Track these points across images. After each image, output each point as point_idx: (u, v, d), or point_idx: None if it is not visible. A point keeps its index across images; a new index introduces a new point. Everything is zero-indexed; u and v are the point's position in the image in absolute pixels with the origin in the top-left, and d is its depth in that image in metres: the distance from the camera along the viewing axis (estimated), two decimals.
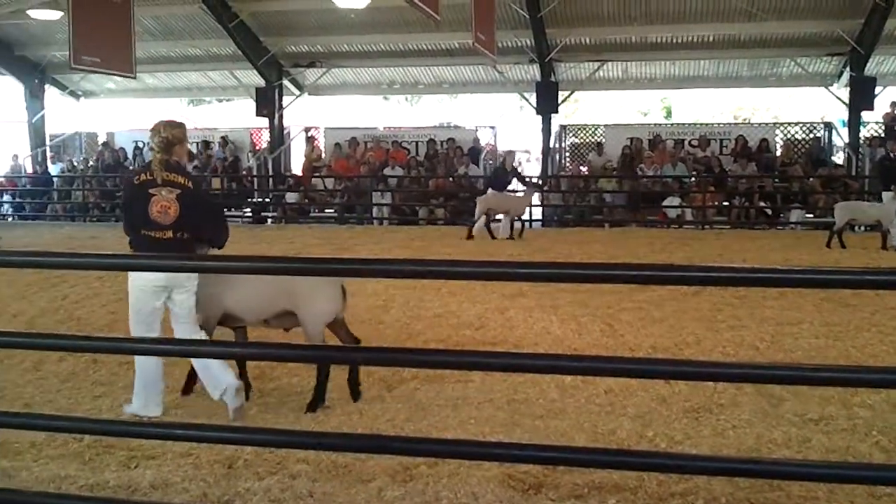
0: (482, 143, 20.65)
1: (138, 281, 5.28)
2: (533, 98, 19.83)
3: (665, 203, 17.51)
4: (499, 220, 14.80)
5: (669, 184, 17.90)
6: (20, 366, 6.57)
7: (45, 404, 5.66)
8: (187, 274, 5.27)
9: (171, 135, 5.39)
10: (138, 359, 5.36)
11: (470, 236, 14.46)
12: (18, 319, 8.35)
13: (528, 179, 16.67)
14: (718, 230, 16.52)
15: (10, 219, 21.54)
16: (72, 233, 16.93)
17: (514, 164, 15.80)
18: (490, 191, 14.93)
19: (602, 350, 6.94)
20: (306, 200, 19.98)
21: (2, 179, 22.52)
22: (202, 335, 5.41)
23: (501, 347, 6.94)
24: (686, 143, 19.41)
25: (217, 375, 5.26)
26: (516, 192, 15.60)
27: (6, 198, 22.44)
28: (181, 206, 5.30)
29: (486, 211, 14.64)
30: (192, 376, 5.67)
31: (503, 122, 28.63)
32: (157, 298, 5.33)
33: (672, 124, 26.04)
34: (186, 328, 5.41)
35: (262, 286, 5.43)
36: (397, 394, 5.80)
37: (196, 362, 5.41)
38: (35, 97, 22.56)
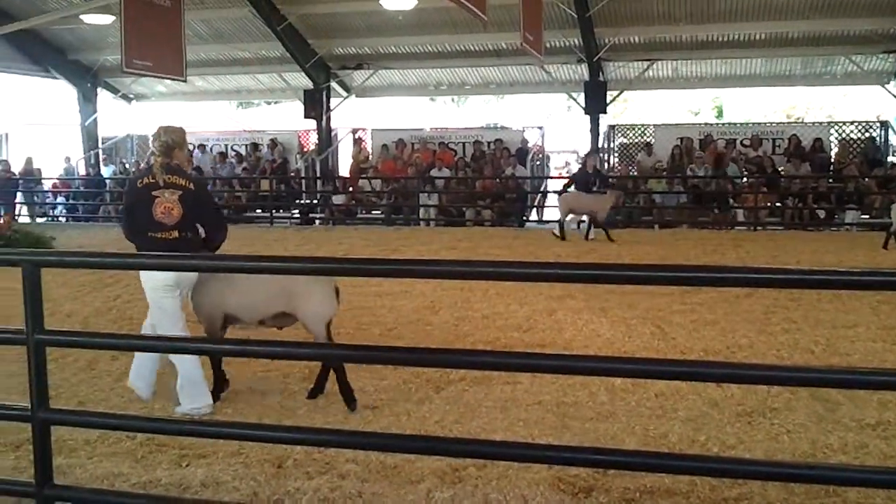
0: (529, 143, 20.55)
1: (150, 282, 5.41)
2: (581, 98, 19.69)
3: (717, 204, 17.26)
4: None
5: (721, 184, 17.63)
6: (74, 364, 6.67)
7: (98, 403, 5.74)
8: (191, 275, 5.45)
9: (170, 139, 5.59)
10: (176, 358, 5.46)
11: (562, 237, 14.48)
12: (72, 319, 8.49)
13: (611, 180, 16.40)
14: (771, 231, 16.23)
15: (63, 220, 21.95)
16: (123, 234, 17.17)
17: (595, 165, 15.56)
18: (572, 190, 14.84)
19: (652, 353, 6.85)
20: (353, 202, 20.08)
21: (56, 182, 22.95)
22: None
23: (550, 349, 6.88)
24: (738, 142, 19.11)
25: (200, 392, 5.44)
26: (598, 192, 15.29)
27: (60, 200, 22.88)
28: (184, 206, 5.46)
29: (568, 211, 14.61)
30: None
31: (550, 122, 28.53)
32: (170, 296, 5.44)
33: (723, 124, 25.67)
34: (171, 320, 5.49)
35: (261, 288, 5.52)
36: (445, 395, 5.78)
37: (183, 369, 5.44)
38: (88, 101, 22.99)
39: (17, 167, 22.42)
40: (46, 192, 22.80)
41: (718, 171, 17.50)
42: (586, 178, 15.00)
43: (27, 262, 3.44)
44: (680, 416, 5.30)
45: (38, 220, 21.19)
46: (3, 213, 19.44)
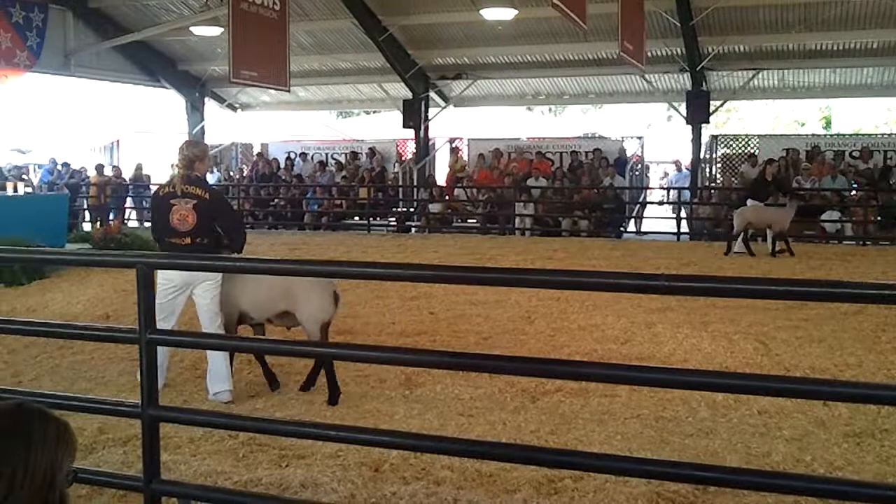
0: (628, 153, 20.28)
1: (160, 279, 5.80)
2: (683, 108, 19.32)
3: (823, 217, 16.66)
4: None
5: (828, 197, 17.03)
6: (180, 364, 6.88)
7: (202, 402, 5.90)
8: (212, 279, 5.94)
9: (192, 153, 6.11)
10: (209, 352, 5.98)
11: (728, 251, 13.86)
12: (179, 320, 8.76)
13: (792, 191, 14.93)
14: (882, 247, 15.57)
15: None
16: None
17: (774, 172, 14.38)
18: (749, 202, 14.04)
19: (756, 369, 6.65)
20: (449, 210, 20.18)
21: None
22: (220, 328, 6.05)
23: (648, 363, 6.76)
24: (847, 154, 18.43)
25: (223, 380, 5.91)
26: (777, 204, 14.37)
27: None
28: (198, 214, 5.89)
29: (746, 226, 13.82)
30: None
31: (650, 132, 28.09)
32: (173, 296, 5.93)
33: (832, 135, 24.80)
34: (208, 317, 6.03)
35: (267, 288, 5.94)
36: (541, 405, 5.75)
37: (212, 363, 5.93)
38: (195, 110, 23.73)
39: (126, 173, 23.37)
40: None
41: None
42: (765, 189, 14.08)
43: (142, 264, 3.57)
44: (784, 434, 5.13)
45: (146, 224, 21.97)
46: (113, 217, 20.31)
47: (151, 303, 3.56)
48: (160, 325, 5.40)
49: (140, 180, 22.96)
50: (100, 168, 22.44)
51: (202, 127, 23.95)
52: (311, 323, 5.91)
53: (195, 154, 6.11)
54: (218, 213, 6.04)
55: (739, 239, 13.89)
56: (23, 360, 7.21)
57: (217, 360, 5.89)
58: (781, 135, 21.96)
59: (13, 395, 4.90)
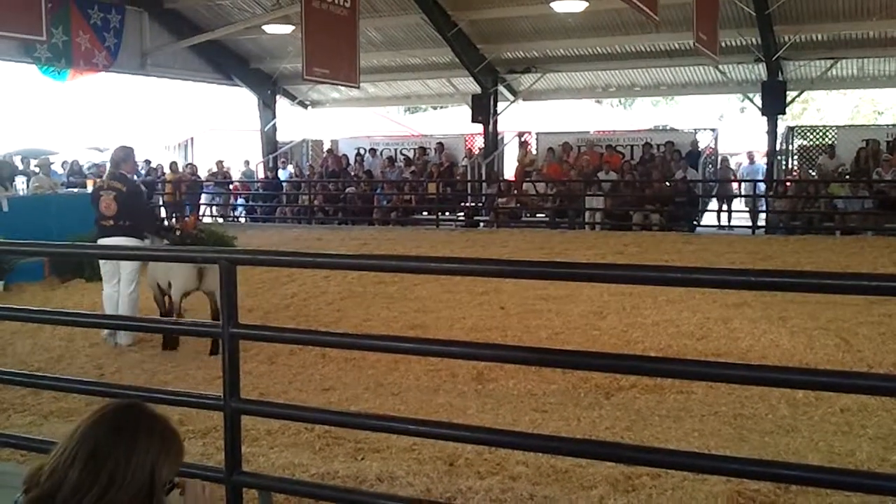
0: (701, 146, 19.91)
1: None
2: (758, 98, 18.87)
3: None
4: None
5: None
6: (256, 357, 6.99)
7: (278, 395, 5.97)
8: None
9: (117, 156, 8.01)
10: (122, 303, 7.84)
11: None
12: (253, 314, 8.92)
13: None
14: None
15: (242, 221, 23.14)
16: (299, 234, 17.95)
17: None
18: None
19: (837, 365, 6.48)
20: (518, 204, 20.09)
21: (236, 184, 24.23)
22: (135, 291, 7.92)
23: (725, 359, 6.63)
24: None
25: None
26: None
27: (240, 201, 24.14)
28: (117, 203, 7.65)
29: None
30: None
31: (723, 123, 27.53)
32: (112, 263, 7.82)
33: None
34: (126, 280, 7.85)
35: (165, 268, 7.50)
36: (616, 401, 5.69)
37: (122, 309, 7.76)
38: (267, 107, 24.07)
39: (202, 171, 23.88)
40: (229, 193, 24.08)
41: None
42: None
43: (225, 259, 3.63)
44: (868, 433, 4.99)
45: (219, 220, 22.42)
46: (189, 213, 20.75)
47: (234, 297, 3.62)
48: (106, 285, 7.97)
49: (222, 177, 23.44)
50: (174, 166, 22.95)
51: (273, 124, 24.30)
52: (175, 293, 7.52)
53: (120, 157, 7.97)
54: (131, 203, 7.75)
55: None
56: (104, 353, 7.43)
57: (129, 311, 7.71)
58: (861, 125, 21.28)
59: (98, 386, 5.05)
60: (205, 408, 4.52)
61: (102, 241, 7.62)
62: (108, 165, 7.90)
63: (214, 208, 23.52)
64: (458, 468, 4.47)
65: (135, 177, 9.41)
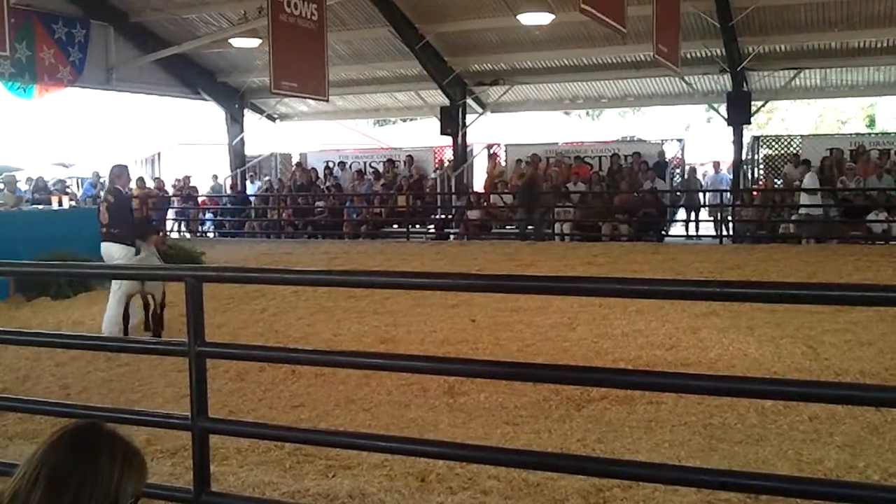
0: (668, 156, 20.08)
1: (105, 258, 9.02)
2: (723, 109, 19.09)
3: (869, 217, 16.37)
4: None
5: (874, 197, 16.73)
6: (225, 375, 6.91)
7: (248, 412, 5.91)
8: (118, 257, 8.76)
9: (112, 173, 9.43)
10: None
11: None
12: (223, 330, 8.85)
13: None
14: None
15: (210, 235, 22.95)
16: (268, 248, 17.83)
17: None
18: None
19: (804, 374, 6.54)
20: (488, 216, 20.13)
21: (204, 199, 24.02)
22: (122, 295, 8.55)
23: (694, 369, 6.67)
24: (892, 153, 18.07)
25: (114, 324, 8.57)
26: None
27: (208, 216, 23.94)
28: (109, 213, 8.92)
29: None
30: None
31: (690, 134, 27.81)
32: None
33: (876, 133, 24.36)
34: (113, 283, 8.74)
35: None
36: (586, 413, 5.69)
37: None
38: (235, 121, 23.88)
39: (168, 185, 23.66)
40: (197, 208, 23.88)
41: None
42: None
43: (191, 277, 3.60)
44: (836, 441, 5.03)
45: (186, 234, 22.21)
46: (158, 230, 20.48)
47: (201, 315, 3.58)
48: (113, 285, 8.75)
49: (187, 191, 23.23)
50: (140, 181, 22.72)
51: (241, 138, 24.15)
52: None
53: (115, 173, 9.36)
54: (119, 213, 8.95)
55: None
56: (70, 372, 7.32)
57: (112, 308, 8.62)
58: (825, 134, 21.58)
59: (65, 408, 4.97)
60: (172, 427, 4.46)
61: (102, 246, 8.93)
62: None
63: (182, 223, 23.29)
64: (430, 484, 4.44)
65: (127, 191, 10.19)
